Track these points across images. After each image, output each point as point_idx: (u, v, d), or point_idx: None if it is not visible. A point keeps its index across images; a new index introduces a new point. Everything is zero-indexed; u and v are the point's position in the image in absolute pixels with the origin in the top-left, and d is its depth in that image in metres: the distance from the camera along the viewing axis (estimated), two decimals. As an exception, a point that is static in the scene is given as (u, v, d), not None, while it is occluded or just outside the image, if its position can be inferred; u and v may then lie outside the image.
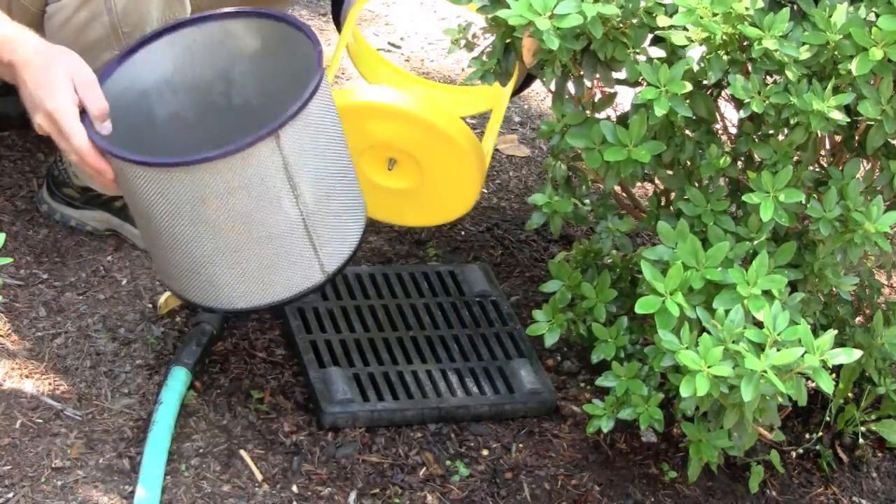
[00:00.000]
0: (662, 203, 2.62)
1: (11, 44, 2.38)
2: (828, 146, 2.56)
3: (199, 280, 2.39)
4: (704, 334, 2.25)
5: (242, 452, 2.54)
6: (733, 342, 2.24)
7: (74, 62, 2.36)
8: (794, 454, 2.75)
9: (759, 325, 2.26)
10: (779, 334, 2.23)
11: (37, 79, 2.35)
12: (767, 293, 2.30)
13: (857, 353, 2.26)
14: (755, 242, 2.40)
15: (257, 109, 2.53)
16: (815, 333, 2.26)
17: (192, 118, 2.53)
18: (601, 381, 2.54)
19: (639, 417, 2.51)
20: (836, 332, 2.27)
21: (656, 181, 2.62)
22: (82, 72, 2.35)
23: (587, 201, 2.65)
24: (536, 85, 3.61)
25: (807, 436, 2.77)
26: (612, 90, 2.49)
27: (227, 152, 2.25)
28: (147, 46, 2.47)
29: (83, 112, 2.34)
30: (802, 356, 2.21)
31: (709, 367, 2.22)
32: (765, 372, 2.19)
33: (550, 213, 2.57)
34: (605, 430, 2.54)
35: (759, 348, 2.23)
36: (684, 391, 2.22)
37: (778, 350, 2.22)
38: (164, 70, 2.50)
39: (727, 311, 2.27)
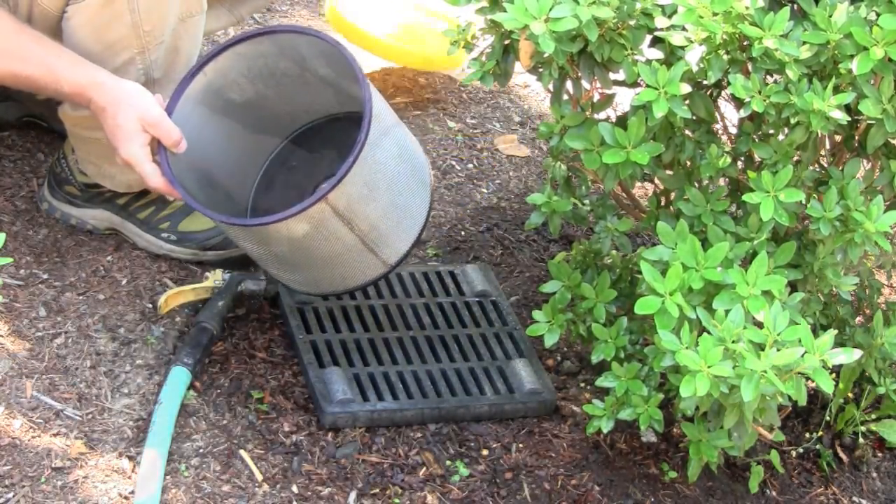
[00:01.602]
0: (662, 203, 2.62)
1: (88, 91, 2.54)
2: (828, 146, 2.56)
3: (284, 276, 2.71)
4: (704, 334, 2.25)
5: (242, 452, 2.54)
6: (733, 342, 2.24)
7: (142, 104, 2.54)
8: (794, 454, 2.75)
9: (759, 325, 2.26)
10: (779, 334, 2.23)
11: (109, 126, 2.54)
12: (767, 293, 2.30)
13: (857, 353, 2.25)
14: (755, 242, 2.40)
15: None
16: (815, 333, 2.26)
17: (272, 96, 2.74)
18: (601, 382, 2.54)
19: (639, 418, 2.50)
20: (836, 332, 2.27)
21: (656, 181, 2.62)
22: (150, 112, 2.53)
23: (587, 201, 2.64)
24: (536, 85, 3.60)
25: (807, 436, 2.77)
26: (610, 91, 2.49)
27: (281, 218, 2.46)
28: (215, 59, 2.63)
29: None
30: (802, 356, 2.21)
31: (709, 367, 2.22)
32: (765, 372, 2.19)
33: (549, 212, 2.57)
34: (605, 431, 2.54)
35: (759, 348, 2.23)
36: (684, 391, 2.22)
37: (778, 350, 2.21)
38: (238, 69, 2.66)
39: (727, 312, 2.27)
